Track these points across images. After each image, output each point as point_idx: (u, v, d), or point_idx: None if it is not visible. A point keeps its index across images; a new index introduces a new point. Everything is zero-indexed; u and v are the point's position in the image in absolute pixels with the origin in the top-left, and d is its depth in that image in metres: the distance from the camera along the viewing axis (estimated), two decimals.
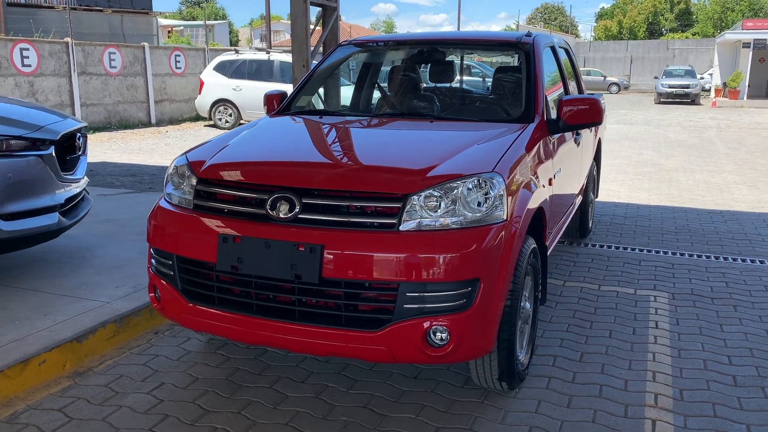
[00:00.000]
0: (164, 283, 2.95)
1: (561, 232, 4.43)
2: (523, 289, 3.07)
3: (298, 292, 2.62)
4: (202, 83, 15.97)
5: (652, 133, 16.15)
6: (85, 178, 4.71)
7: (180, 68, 17.77)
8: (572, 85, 5.22)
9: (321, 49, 6.48)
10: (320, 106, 4.78)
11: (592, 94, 3.76)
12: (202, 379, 3.23)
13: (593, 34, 76.61)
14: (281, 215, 2.67)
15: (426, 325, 2.54)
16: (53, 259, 4.64)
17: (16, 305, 3.74)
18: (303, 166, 2.89)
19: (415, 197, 2.61)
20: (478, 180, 2.71)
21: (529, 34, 4.11)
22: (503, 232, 2.67)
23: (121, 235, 5.35)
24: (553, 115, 3.69)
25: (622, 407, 2.99)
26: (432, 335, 2.58)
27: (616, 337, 3.79)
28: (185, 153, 3.24)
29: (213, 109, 15.82)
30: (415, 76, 4.25)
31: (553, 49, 4.50)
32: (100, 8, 24.58)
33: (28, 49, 13.28)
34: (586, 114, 3.60)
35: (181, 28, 56.88)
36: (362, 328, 2.57)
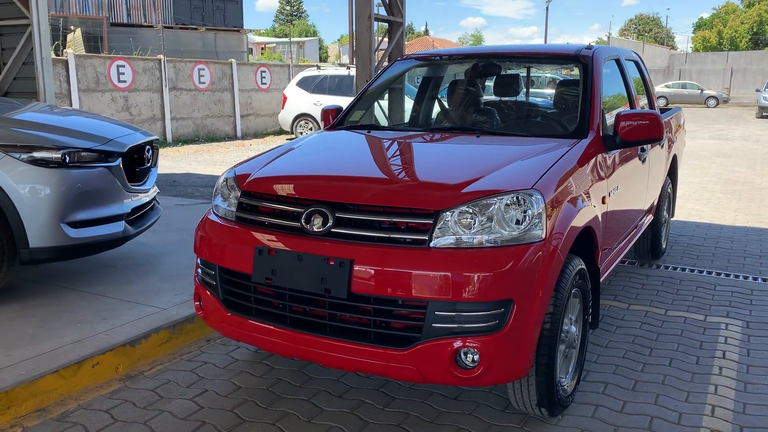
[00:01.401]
0: (208, 292, 3.03)
1: (623, 253, 4.23)
2: (567, 312, 2.95)
3: (327, 306, 2.63)
4: (285, 98, 16.43)
5: (749, 149, 15.22)
6: (155, 188, 4.93)
7: (265, 84, 18.37)
8: (642, 101, 5.00)
9: (386, 63, 6.53)
10: (382, 120, 4.80)
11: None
12: (244, 388, 3.28)
13: (692, 45, 73.38)
14: (315, 229, 2.69)
15: (456, 345, 2.48)
16: (123, 266, 4.87)
17: (81, 308, 3.94)
18: (339, 181, 2.90)
19: (448, 213, 2.57)
20: (516, 197, 2.63)
21: (590, 47, 3.97)
22: (541, 252, 2.57)
23: (190, 244, 5.54)
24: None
25: None
26: (461, 356, 2.51)
27: (676, 366, 3.57)
28: (234, 166, 3.33)
29: (295, 123, 16.23)
30: (473, 89, 4.19)
31: (618, 62, 4.33)
32: (195, 27, 25.82)
33: (124, 66, 14.12)
34: (645, 130, 3.44)
35: (274, 45, 58.95)
36: (390, 346, 2.53)
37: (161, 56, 15.17)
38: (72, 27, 21.44)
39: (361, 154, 3.42)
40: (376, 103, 4.68)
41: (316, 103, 15.86)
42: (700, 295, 4.81)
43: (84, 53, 15.68)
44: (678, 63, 48.63)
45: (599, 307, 3.39)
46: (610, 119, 3.69)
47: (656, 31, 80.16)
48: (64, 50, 13.83)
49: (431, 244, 2.53)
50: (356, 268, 2.54)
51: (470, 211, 2.58)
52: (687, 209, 8.07)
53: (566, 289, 2.77)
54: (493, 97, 4.24)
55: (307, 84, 16.28)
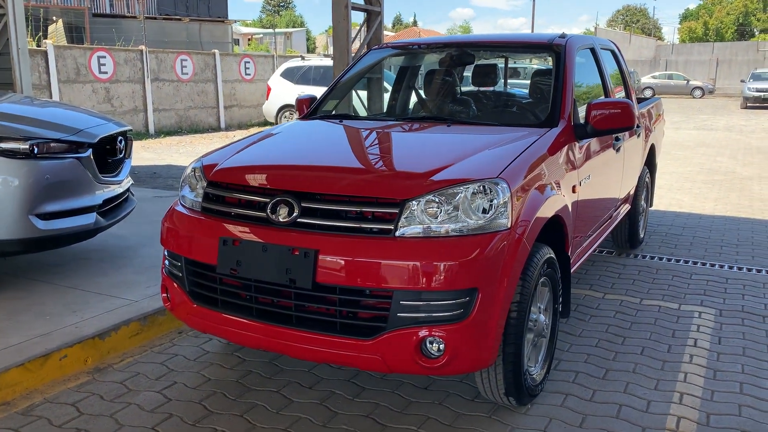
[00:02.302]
0: (174, 284, 2.99)
1: (598, 243, 4.23)
2: (536, 301, 2.95)
3: (293, 297, 2.60)
4: (269, 89, 16.32)
5: (733, 139, 15.31)
6: (129, 179, 4.87)
7: (249, 75, 18.24)
8: (619, 92, 5.00)
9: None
10: (360, 109, 4.77)
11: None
12: (213, 380, 3.26)
13: (678, 36, 73.66)
14: (280, 219, 2.66)
15: (421, 334, 2.46)
16: (98, 258, 4.82)
17: (52, 301, 3.90)
18: (305, 170, 2.87)
19: (414, 203, 2.55)
20: (483, 186, 2.62)
21: (563, 36, 3.95)
22: (506, 241, 2.56)
23: None
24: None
25: (638, 430, 2.81)
26: (426, 345, 2.50)
27: (648, 354, 3.58)
28: (202, 156, 3.29)
29: (279, 115, 16.13)
30: (449, 79, 4.16)
31: (593, 51, 4.32)
32: (179, 17, 25.58)
33: (105, 57, 13.95)
34: (616, 119, 3.43)
35: (261, 36, 58.55)
36: (356, 336, 2.52)
37: (143, 47, 15.01)
38: (54, 17, 21.17)
39: (329, 144, 3.39)
40: (354, 93, 4.66)
41: (301, 94, 15.75)
42: (675, 284, 4.82)
43: (64, 44, 15.49)
44: (664, 54, 48.81)
45: (570, 296, 3.39)
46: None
47: (643, 22, 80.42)
48: (45, 41, 13.64)
49: (397, 234, 2.52)
50: (321, 258, 2.51)
51: (436, 200, 2.56)
52: (668, 199, 8.10)
53: (533, 278, 2.76)
54: (470, 87, 4.22)
55: (291, 75, 16.17)
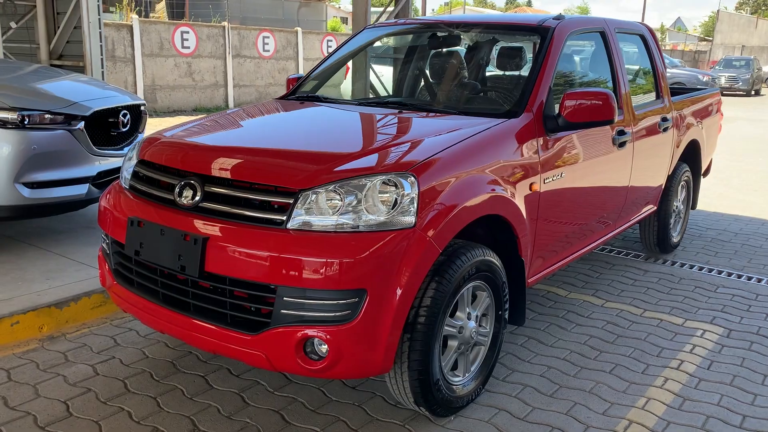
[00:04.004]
0: (105, 262, 2.99)
1: (591, 246, 3.86)
2: (463, 306, 2.71)
3: (187, 284, 2.52)
4: (347, 68, 16.30)
5: None
6: None
7: None
8: (642, 81, 4.54)
9: None
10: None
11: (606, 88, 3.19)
12: (150, 358, 3.25)
13: None
14: (184, 202, 2.58)
15: (303, 334, 2.31)
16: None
17: (33, 267, 4.04)
18: (215, 152, 2.75)
19: (310, 193, 2.38)
20: (388, 179, 2.41)
21: (559, 17, 3.60)
22: (407, 240, 2.35)
23: None
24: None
25: None
26: (309, 346, 2.35)
27: (617, 373, 3.24)
28: (154, 132, 3.25)
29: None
30: (421, 63, 3.90)
31: (603, 35, 3.91)
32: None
33: (188, 32, 14.43)
34: (593, 111, 3.09)
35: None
36: (242, 330, 2.41)
37: (225, 23, 15.39)
38: None
39: (262, 126, 3.24)
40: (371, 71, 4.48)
41: None
42: (694, 296, 4.36)
43: (150, 19, 16.14)
44: None
45: (525, 303, 3.11)
46: None
47: None
48: (132, 15, 14.29)
49: (288, 226, 2.37)
50: (210, 246, 2.41)
51: (336, 191, 2.39)
52: (734, 200, 7.38)
53: (453, 280, 2.53)
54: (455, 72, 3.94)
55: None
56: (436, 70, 3.94)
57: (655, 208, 4.82)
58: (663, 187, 4.80)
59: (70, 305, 3.59)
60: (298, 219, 2.36)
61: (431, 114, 3.26)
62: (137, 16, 14.03)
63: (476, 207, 2.62)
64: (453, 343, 2.72)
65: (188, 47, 14.45)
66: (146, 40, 13.66)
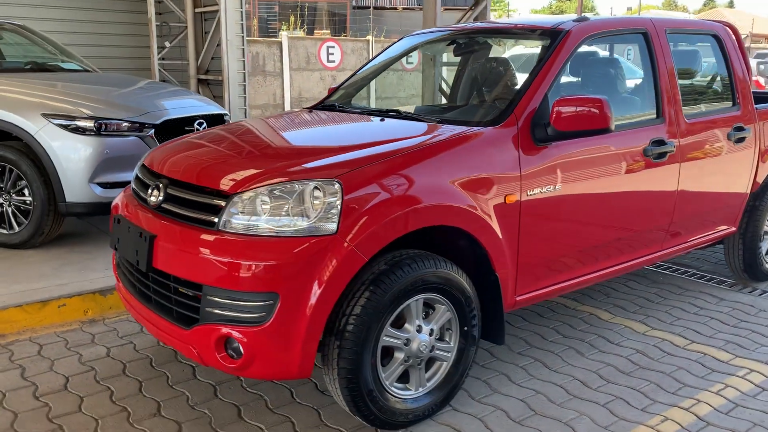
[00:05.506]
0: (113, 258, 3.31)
1: (608, 269, 3.48)
2: (411, 318, 2.65)
3: (139, 278, 2.73)
4: None
5: None
6: None
7: None
8: (713, 91, 4.07)
9: None
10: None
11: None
12: (159, 347, 3.51)
13: None
14: (152, 201, 2.80)
15: (222, 332, 2.41)
16: None
17: (102, 257, 4.54)
18: (179, 157, 2.93)
19: (240, 197, 2.48)
20: (316, 186, 2.44)
21: (580, 19, 3.36)
22: (326, 247, 2.36)
23: None
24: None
25: None
26: (227, 344, 2.45)
27: (611, 407, 2.95)
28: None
29: None
30: (438, 71, 3.81)
31: (646, 37, 3.57)
32: (453, 7, 26.44)
33: (333, 47, 15.16)
34: (585, 119, 2.86)
35: None
36: (181, 324, 2.56)
37: (369, 37, 15.95)
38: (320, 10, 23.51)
39: (237, 135, 3.29)
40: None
41: None
42: (766, 332, 3.81)
43: (298, 35, 17.13)
44: None
45: (503, 321, 2.94)
46: None
47: None
48: (282, 32, 15.32)
49: (219, 227, 2.48)
50: (157, 244, 2.60)
51: (264, 196, 2.47)
52: None
53: (390, 291, 2.48)
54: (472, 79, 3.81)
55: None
56: (448, 77, 3.85)
57: (734, 229, 4.27)
58: (744, 205, 4.25)
59: (114, 293, 4.00)
60: (226, 221, 2.47)
61: (412, 122, 3.20)
62: (287, 33, 15.01)
63: (416, 217, 2.54)
64: (399, 355, 2.66)
65: (333, 61, 15.18)
66: (294, 55, 14.57)
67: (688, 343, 3.64)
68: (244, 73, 10.13)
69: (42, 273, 4.22)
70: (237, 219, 2.46)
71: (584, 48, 3.27)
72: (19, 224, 4.68)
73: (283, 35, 14.44)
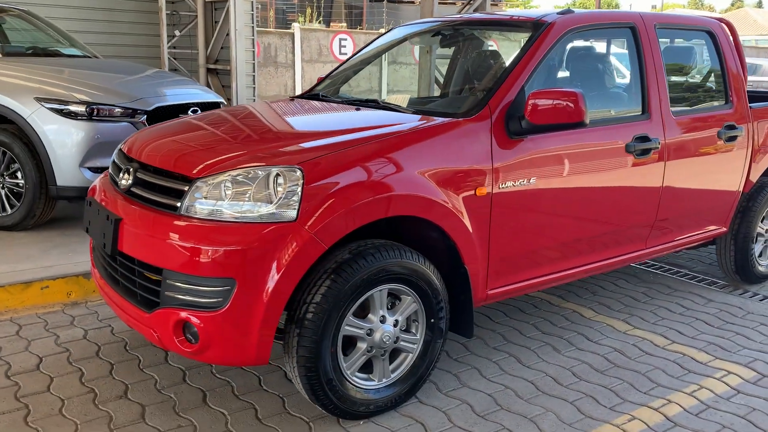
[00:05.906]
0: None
1: (590, 265, 3.44)
2: (374, 308, 2.63)
3: (107, 261, 2.75)
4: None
5: None
6: None
7: None
8: (704, 88, 4.00)
9: None
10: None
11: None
12: (112, 335, 3.49)
13: None
14: (122, 184, 2.81)
15: (180, 316, 2.42)
16: None
17: (85, 239, 4.57)
18: (150, 141, 2.94)
19: (202, 182, 2.48)
20: (277, 173, 2.43)
21: (564, 12, 3.31)
22: (286, 234, 2.35)
23: None
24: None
25: None
26: (184, 329, 2.45)
27: (579, 404, 2.91)
28: None
29: None
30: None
31: (634, 32, 3.51)
32: (453, 2, 26.30)
33: (345, 39, 15.14)
34: (559, 112, 2.81)
35: None
36: (143, 308, 2.57)
37: (382, 30, 15.91)
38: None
39: (212, 122, 3.29)
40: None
41: None
42: (750, 334, 3.75)
43: (310, 27, 17.11)
44: None
45: (472, 315, 2.92)
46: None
47: None
48: (294, 24, 15.32)
49: (181, 212, 2.49)
50: (122, 227, 2.61)
51: (225, 182, 2.46)
52: None
53: (351, 280, 2.47)
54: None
55: None
56: (429, 68, 3.82)
57: (725, 229, 4.20)
58: (735, 205, 4.18)
59: None
60: (189, 206, 2.47)
61: (385, 112, 3.18)
62: (299, 25, 15.02)
63: (379, 207, 2.53)
64: (362, 345, 2.65)
65: (345, 53, 15.15)
66: (306, 47, 14.57)
67: (668, 344, 3.59)
68: (253, 63, 10.13)
69: (29, 255, 4.27)
70: (201, 204, 2.46)
71: (574, 42, 3.23)
72: (11, 206, 4.73)
73: (296, 26, 14.45)
